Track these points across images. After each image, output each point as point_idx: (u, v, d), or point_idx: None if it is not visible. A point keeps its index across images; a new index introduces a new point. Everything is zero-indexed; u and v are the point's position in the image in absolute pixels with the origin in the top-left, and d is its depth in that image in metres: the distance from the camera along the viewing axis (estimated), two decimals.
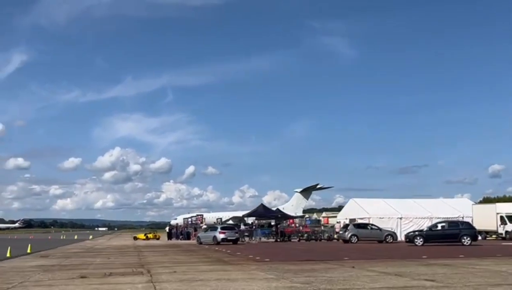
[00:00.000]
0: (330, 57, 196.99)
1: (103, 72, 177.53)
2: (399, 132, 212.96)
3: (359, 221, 46.06)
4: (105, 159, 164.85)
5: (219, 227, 37.39)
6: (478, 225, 45.09)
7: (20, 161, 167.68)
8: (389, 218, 46.08)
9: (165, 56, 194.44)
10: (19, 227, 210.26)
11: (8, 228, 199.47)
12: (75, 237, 70.52)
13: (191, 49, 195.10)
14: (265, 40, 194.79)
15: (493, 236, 42.91)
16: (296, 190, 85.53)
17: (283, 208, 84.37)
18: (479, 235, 33.27)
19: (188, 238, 52.08)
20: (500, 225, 41.63)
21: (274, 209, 56.97)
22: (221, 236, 35.29)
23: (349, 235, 37.29)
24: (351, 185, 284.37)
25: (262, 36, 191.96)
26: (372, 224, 40.59)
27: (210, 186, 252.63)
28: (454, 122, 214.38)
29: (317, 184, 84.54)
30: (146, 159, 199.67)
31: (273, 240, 44.97)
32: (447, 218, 47.40)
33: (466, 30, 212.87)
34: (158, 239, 55.88)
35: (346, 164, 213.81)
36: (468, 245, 30.33)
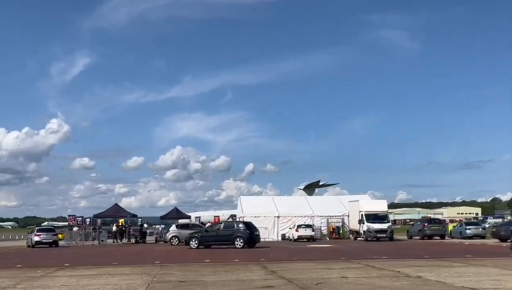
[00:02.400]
0: (390, 51, 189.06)
1: (163, 73, 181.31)
2: (463, 126, 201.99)
3: (240, 219, 44.12)
4: (167, 158, 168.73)
5: (36, 229, 36.68)
6: (351, 224, 41.90)
7: (85, 161, 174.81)
8: (265, 216, 43.67)
9: (223, 56, 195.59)
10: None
11: (64, 226, 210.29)
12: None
13: (248, 48, 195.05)
14: (322, 36, 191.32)
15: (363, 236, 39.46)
16: (299, 187, 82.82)
17: None
18: (258, 237, 29.91)
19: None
20: (360, 224, 38.22)
21: None
22: (36, 238, 34.63)
23: (170, 236, 35.44)
24: (414, 181, 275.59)
25: (318, 32, 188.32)
26: (196, 224, 38.54)
27: (270, 183, 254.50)
28: None
29: (319, 181, 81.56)
30: (206, 157, 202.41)
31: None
32: (329, 216, 44.58)
33: None
34: None
35: (408, 160, 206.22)
36: (241, 247, 27.76)
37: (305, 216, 43.72)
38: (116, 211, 45.33)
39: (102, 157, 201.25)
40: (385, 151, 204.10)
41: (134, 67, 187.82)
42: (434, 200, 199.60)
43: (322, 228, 43.54)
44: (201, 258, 20.61)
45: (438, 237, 39.12)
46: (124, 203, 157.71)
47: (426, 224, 39.72)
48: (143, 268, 16.16)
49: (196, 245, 28.39)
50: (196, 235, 29.18)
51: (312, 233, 39.24)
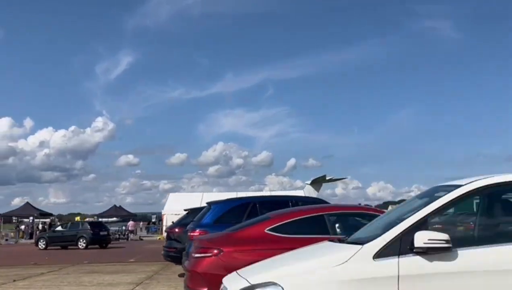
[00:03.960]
0: (434, 41, 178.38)
1: (205, 69, 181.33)
2: None
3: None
4: (209, 154, 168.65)
5: None
6: None
7: (130, 158, 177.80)
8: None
9: (264, 51, 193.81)
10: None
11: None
12: None
13: (288, 42, 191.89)
14: (364, 28, 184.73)
15: None
16: (307, 182, 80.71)
17: None
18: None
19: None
20: None
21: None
22: None
23: None
24: (462, 174, 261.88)
25: (360, 24, 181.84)
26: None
27: (312, 178, 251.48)
28: None
29: (325, 175, 79.12)
30: (248, 153, 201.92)
31: None
32: None
33: None
34: None
35: (455, 152, 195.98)
36: (83, 248, 26.64)
37: None
38: (24, 209, 45.27)
39: (146, 154, 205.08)
40: (431, 144, 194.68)
41: (177, 65, 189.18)
42: None
43: None
44: None
45: None
46: (169, 199, 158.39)
47: None
48: None
49: (44, 246, 27.49)
50: (44, 235, 28.38)
51: None
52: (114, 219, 68.92)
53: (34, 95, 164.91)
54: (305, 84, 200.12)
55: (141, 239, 40.16)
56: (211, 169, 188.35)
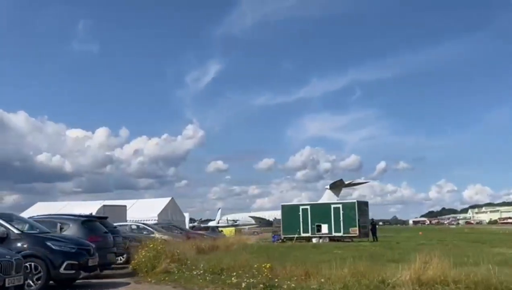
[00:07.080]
0: None
1: (290, 74, 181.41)
2: None
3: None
4: (296, 159, 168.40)
5: None
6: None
7: (220, 164, 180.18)
8: None
9: (348, 52, 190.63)
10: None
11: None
12: None
13: (374, 42, 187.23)
14: (454, 24, 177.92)
15: None
16: (326, 187, 77.80)
17: None
18: None
19: None
20: None
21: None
22: None
23: None
24: None
25: (449, 19, 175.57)
26: None
27: (404, 182, 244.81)
28: None
29: (342, 180, 75.65)
30: (336, 157, 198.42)
31: None
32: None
33: None
34: None
35: None
36: None
37: None
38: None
39: (235, 159, 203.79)
40: None
41: (263, 71, 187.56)
42: None
43: None
44: None
45: None
46: (258, 204, 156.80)
47: None
48: None
49: None
50: None
51: None
52: None
53: (129, 106, 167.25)
54: (395, 85, 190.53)
55: None
56: (299, 174, 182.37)
